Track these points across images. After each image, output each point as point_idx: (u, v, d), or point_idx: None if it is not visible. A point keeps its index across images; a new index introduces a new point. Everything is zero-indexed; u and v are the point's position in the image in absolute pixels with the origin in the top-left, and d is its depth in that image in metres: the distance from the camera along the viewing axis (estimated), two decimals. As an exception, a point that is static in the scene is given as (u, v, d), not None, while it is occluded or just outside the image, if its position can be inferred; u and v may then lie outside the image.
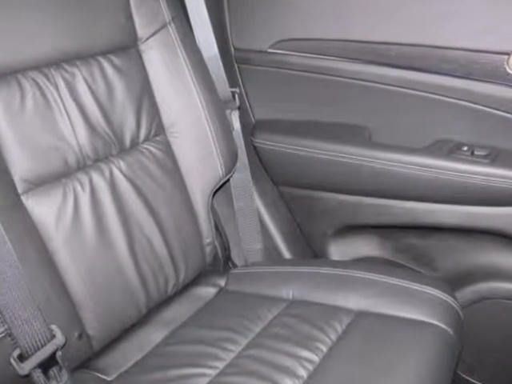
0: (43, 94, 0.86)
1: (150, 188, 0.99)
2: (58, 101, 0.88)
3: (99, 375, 0.91)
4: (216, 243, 1.16)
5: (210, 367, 0.88)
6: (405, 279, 1.01)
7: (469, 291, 1.18)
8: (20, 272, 0.76)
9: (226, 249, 1.22)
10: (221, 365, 0.88)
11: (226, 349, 0.91)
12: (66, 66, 0.90)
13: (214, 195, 1.12)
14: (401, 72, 1.08)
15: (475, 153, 1.05)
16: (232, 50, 1.25)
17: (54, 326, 0.81)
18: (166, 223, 1.02)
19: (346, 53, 1.12)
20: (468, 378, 1.26)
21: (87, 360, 0.93)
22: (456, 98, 1.05)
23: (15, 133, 0.82)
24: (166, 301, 1.05)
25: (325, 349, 0.89)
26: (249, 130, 1.28)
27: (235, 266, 1.25)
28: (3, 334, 0.76)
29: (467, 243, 1.20)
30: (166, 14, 1.04)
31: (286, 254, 1.37)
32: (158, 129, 1.03)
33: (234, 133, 1.16)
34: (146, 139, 1.01)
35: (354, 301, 0.99)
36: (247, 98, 1.29)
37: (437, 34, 1.03)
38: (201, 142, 1.07)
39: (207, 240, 1.12)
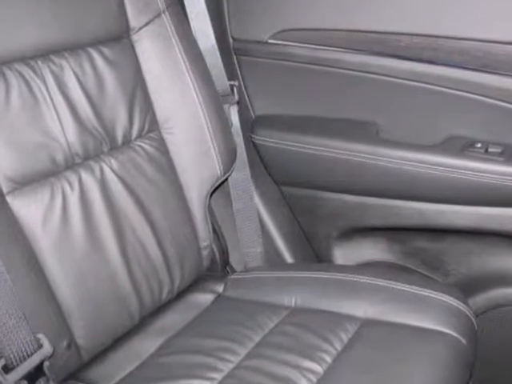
0: (30, 88, 0.86)
1: (143, 188, 0.99)
2: (46, 95, 0.88)
3: (89, 387, 0.92)
4: (213, 246, 1.16)
5: (208, 379, 0.87)
6: (414, 285, 1.01)
7: (483, 298, 1.18)
8: (4, 277, 0.76)
9: (224, 252, 1.22)
10: (219, 376, 0.88)
11: (224, 359, 0.91)
12: (54, 58, 0.90)
13: (211, 195, 1.12)
14: (410, 64, 1.08)
15: (489, 150, 1.05)
16: (230, 40, 1.25)
17: (40, 335, 0.80)
18: (160, 225, 1.02)
19: (351, 44, 1.12)
20: (482, 391, 1.27)
21: (76, 371, 0.92)
22: (469, 92, 1.05)
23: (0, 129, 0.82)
24: (161, 308, 1.05)
25: (329, 359, 0.89)
26: (248, 125, 1.28)
27: (234, 270, 1.25)
28: (-14, 344, 0.76)
29: (481, 246, 1.20)
30: (160, 2, 1.04)
31: (288, 258, 1.37)
32: (151, 125, 1.03)
33: (232, 129, 1.16)
34: (139, 136, 1.01)
35: (360, 308, 0.99)
36: (246, 91, 1.29)
37: (448, 24, 1.03)
38: (197, 138, 1.07)
39: (204, 243, 1.12)
